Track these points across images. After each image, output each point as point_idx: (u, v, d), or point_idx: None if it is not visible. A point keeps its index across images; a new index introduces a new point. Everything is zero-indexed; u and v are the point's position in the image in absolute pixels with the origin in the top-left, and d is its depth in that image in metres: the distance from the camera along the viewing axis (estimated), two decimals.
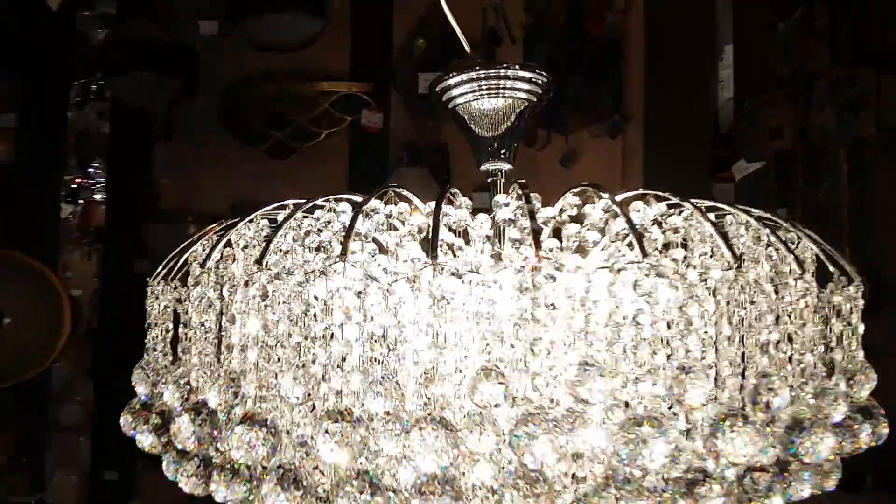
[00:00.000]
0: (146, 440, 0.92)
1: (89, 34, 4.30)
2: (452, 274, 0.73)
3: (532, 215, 0.76)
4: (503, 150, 1.16)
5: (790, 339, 0.84)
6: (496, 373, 0.73)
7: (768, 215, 0.87)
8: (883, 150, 2.04)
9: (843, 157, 2.04)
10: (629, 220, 0.76)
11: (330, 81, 3.14)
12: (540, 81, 1.14)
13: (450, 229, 0.88)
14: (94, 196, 4.98)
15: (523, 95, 1.13)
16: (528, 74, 1.12)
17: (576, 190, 0.86)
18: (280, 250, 0.90)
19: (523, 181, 0.86)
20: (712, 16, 2.68)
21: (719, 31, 2.69)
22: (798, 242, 0.90)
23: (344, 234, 0.91)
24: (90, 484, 3.65)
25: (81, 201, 5.05)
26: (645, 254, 0.74)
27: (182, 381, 0.89)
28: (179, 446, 0.87)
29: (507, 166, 1.15)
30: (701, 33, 2.69)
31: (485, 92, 1.14)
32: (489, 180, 1.14)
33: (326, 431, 0.75)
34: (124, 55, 3.36)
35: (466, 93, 1.14)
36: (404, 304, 0.79)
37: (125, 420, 0.97)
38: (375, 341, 0.78)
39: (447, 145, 3.00)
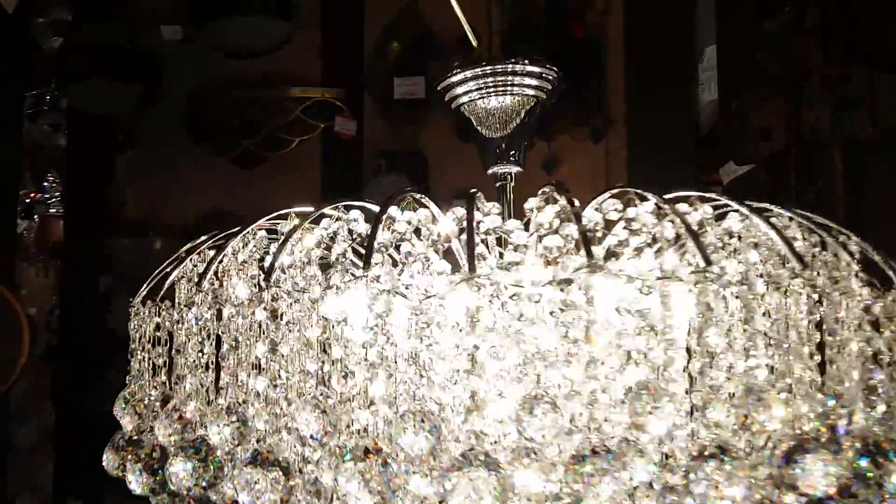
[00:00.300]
0: (136, 482, 0.81)
1: (44, 42, 4.14)
2: (494, 287, 0.64)
3: (578, 218, 0.68)
4: (512, 152, 1.09)
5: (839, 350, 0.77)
6: (547, 400, 0.64)
7: (825, 221, 0.79)
8: (879, 149, 1.99)
9: (838, 156, 2.00)
10: (686, 224, 0.68)
11: (301, 87, 3.03)
12: (550, 77, 1.07)
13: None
14: (51, 210, 4.81)
15: (532, 92, 1.06)
16: (537, 69, 1.05)
17: (614, 191, 0.78)
18: (283, 265, 0.80)
19: (558, 181, 0.78)
20: (692, 17, 2.64)
21: (699, 33, 2.64)
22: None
23: (354, 245, 0.82)
24: None
25: (36, 216, 4.87)
26: (708, 261, 0.66)
27: (176, 415, 0.78)
28: (174, 488, 0.77)
29: (516, 169, 1.08)
30: (681, 35, 2.64)
31: (491, 89, 1.06)
32: (497, 185, 1.06)
33: (351, 471, 0.65)
34: (82, 62, 3.23)
35: (472, 91, 1.07)
36: (437, 323, 0.69)
37: (109, 459, 0.86)
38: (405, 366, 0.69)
39: (424, 152, 2.92)
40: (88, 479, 3.22)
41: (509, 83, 1.05)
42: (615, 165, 2.66)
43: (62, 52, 3.37)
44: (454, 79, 1.07)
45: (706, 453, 0.64)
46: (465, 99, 1.08)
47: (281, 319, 0.76)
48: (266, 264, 0.80)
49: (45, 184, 4.90)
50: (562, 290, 0.65)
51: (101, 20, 3.16)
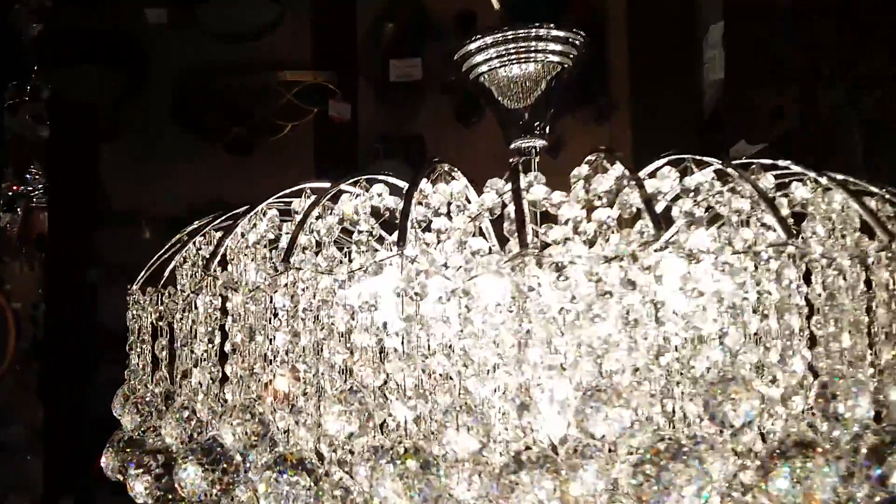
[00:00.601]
0: (140, 488, 0.73)
1: (23, 30, 4.02)
2: (555, 267, 0.56)
3: (641, 185, 0.60)
4: (537, 123, 1.02)
5: None
6: (611, 392, 0.56)
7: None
8: None
9: (855, 138, 1.92)
10: (761, 192, 0.61)
11: (292, 71, 2.94)
12: (577, 42, 1.00)
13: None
14: (35, 203, 4.70)
15: (557, 59, 0.99)
16: (562, 34, 0.98)
17: (671, 157, 0.71)
18: (299, 246, 0.72)
19: (607, 146, 0.71)
20: None
21: (703, 10, 2.57)
22: None
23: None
24: None
25: (19, 209, 4.77)
26: (791, 233, 0.58)
27: (185, 414, 0.70)
28: (185, 494, 0.69)
29: (541, 142, 1.01)
30: (685, 12, 2.57)
31: (514, 57, 0.99)
32: (523, 160, 0.99)
33: (389, 475, 0.58)
34: (63, 47, 3.13)
35: (492, 58, 0.99)
36: (478, 308, 0.62)
37: (109, 462, 0.78)
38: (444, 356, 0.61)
39: (422, 136, 2.84)
40: (80, 477, 3.13)
41: (533, 49, 0.98)
42: (620, 147, 2.59)
43: (42, 37, 3.26)
44: (472, 46, 0.99)
45: (787, 450, 0.57)
46: (484, 68, 1.00)
47: (298, 305, 0.68)
48: (282, 245, 0.72)
49: (28, 176, 4.79)
50: (625, 267, 0.58)
51: (83, 4, 3.06)
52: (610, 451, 0.61)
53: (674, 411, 0.63)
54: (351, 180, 0.75)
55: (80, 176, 3.43)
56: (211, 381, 0.70)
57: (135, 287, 0.85)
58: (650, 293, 0.60)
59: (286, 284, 0.66)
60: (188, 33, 2.99)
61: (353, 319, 0.64)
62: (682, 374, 0.59)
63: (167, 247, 0.86)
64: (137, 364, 0.82)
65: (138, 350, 0.82)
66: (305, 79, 2.91)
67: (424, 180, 0.72)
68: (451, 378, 0.63)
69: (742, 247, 0.63)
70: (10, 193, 4.83)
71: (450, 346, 0.64)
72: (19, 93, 4.32)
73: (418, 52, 2.79)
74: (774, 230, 0.64)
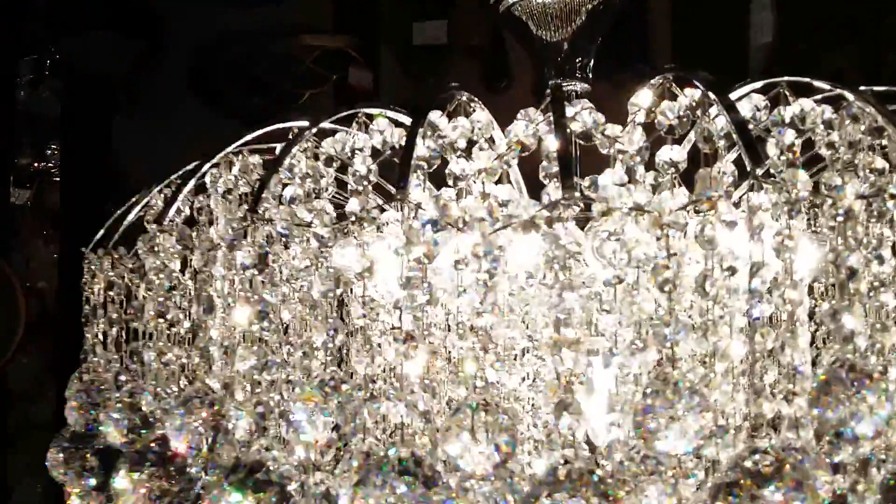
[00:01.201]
0: (77, 498, 0.58)
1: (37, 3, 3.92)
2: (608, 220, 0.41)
3: (732, 109, 0.44)
4: (578, 60, 0.85)
5: None
6: (686, 389, 0.40)
7: None
8: None
9: None
10: (890, 117, 0.44)
11: (310, 35, 2.78)
12: None
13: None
14: (54, 179, 4.64)
15: None
16: None
17: (763, 81, 0.55)
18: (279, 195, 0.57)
19: (673, 66, 0.55)
20: None
21: None
22: None
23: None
24: (58, 493, 3.32)
25: (36, 185, 4.71)
26: None
27: (127, 403, 0.55)
28: None
29: (582, 85, 0.84)
30: None
31: None
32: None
33: (379, 495, 0.42)
34: (75, 14, 3.02)
35: None
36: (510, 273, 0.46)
37: (53, 461, 0.64)
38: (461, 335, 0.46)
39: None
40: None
41: None
42: None
43: (55, 3, 3.15)
44: None
45: None
46: None
47: (273, 269, 0.52)
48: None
49: (48, 152, 4.71)
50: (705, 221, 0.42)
51: None
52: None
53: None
54: (346, 113, 0.60)
55: (95, 149, 3.32)
56: (164, 366, 0.55)
57: (90, 250, 0.71)
58: (733, 255, 0.44)
59: (255, 242, 0.51)
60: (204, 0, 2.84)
61: (340, 289, 0.48)
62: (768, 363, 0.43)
63: (127, 205, 0.72)
64: (92, 343, 0.68)
65: (95, 329, 0.68)
66: (324, 43, 2.74)
67: (438, 112, 0.57)
68: (464, 364, 0.47)
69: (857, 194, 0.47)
70: (31, 171, 4.77)
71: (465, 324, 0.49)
72: (38, 68, 4.23)
73: (444, 14, 2.62)
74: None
